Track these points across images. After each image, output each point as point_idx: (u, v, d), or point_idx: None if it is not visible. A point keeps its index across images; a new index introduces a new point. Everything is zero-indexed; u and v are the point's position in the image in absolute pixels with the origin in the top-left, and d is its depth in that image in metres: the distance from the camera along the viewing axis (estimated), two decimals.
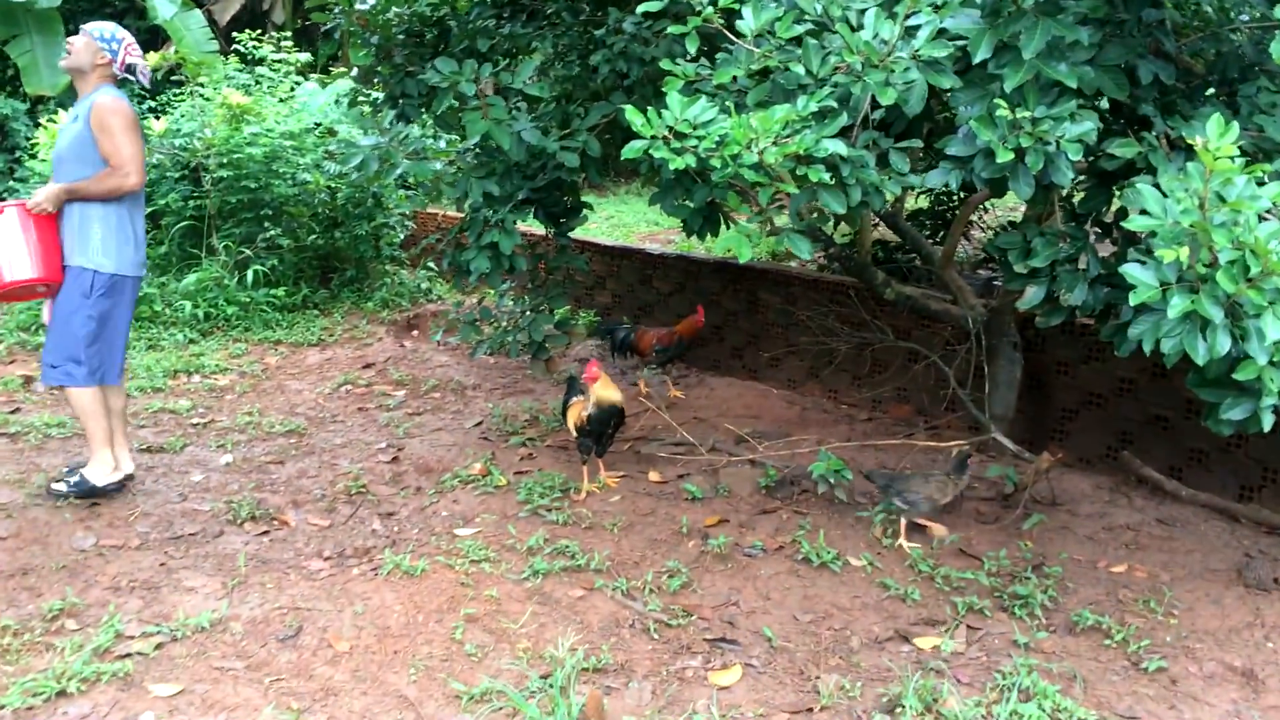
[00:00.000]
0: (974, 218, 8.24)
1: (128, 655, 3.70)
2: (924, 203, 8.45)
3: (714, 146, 3.32)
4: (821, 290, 6.93)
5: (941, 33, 3.44)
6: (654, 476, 5.45)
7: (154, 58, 8.83)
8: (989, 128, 3.28)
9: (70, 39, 4.81)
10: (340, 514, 5.02)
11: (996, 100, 3.26)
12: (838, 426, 6.27)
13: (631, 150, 3.38)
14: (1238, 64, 4.01)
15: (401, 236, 9.25)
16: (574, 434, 5.30)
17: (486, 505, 5.06)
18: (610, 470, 5.44)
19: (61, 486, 4.91)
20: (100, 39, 4.77)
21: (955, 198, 7.99)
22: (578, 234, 9.13)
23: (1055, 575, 4.48)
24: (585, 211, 6.12)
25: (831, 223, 8.22)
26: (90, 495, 4.91)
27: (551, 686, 3.56)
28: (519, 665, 3.74)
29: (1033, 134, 3.24)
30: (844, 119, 3.40)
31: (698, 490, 5.21)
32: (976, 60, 3.28)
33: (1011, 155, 3.23)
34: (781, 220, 3.81)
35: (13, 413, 6.17)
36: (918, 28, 3.35)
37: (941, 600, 4.31)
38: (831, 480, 5.04)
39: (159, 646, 3.77)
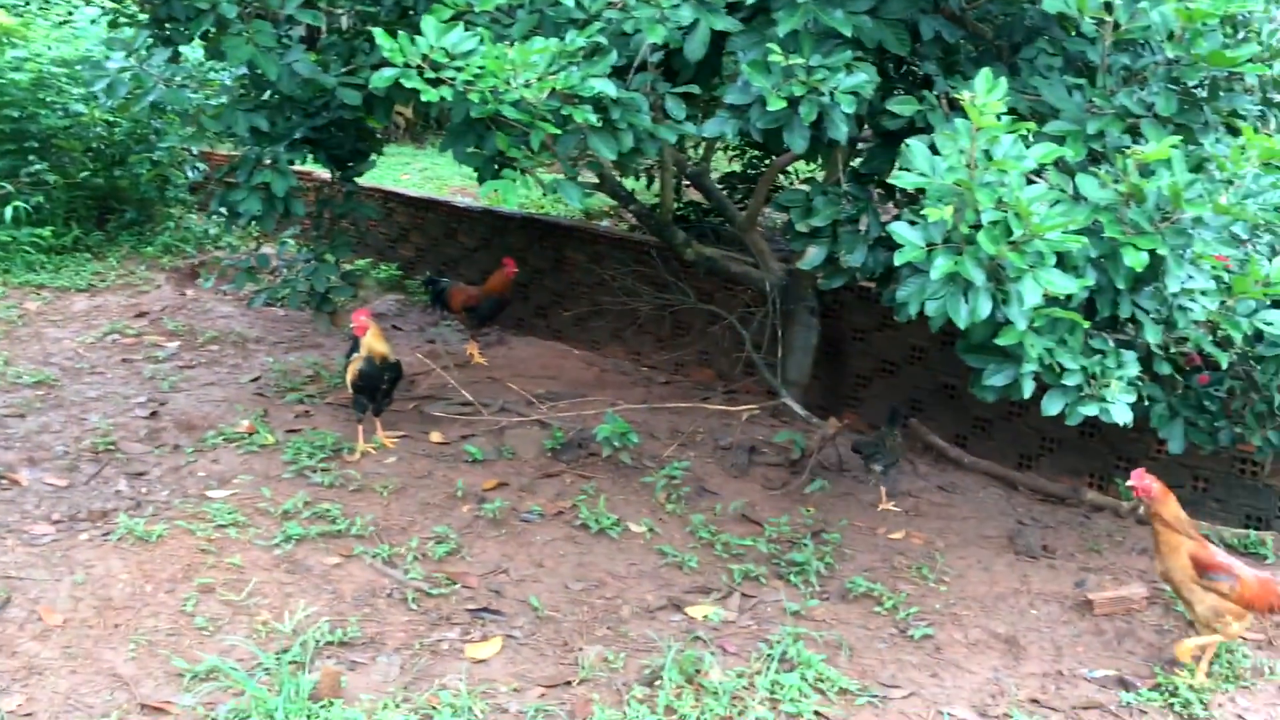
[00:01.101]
0: (787, 182, 8.19)
1: None
2: (738, 166, 8.35)
3: (472, 79, 3.05)
4: (627, 250, 6.74)
5: None
6: (435, 437, 5.18)
7: None
8: (763, 74, 3.11)
9: None
10: (82, 473, 4.58)
11: (771, 46, 3.10)
12: (635, 389, 6.11)
13: (380, 79, 3.09)
14: (1023, 29, 3.97)
15: (190, 177, 8.62)
16: (351, 391, 4.97)
17: (248, 465, 4.69)
18: (390, 430, 5.13)
19: None
20: None
21: (768, 161, 7.91)
22: (385, 184, 8.73)
23: (834, 542, 4.43)
24: (375, 156, 5.76)
25: (643, 180, 8.09)
26: None
27: (285, 663, 3.27)
28: (254, 640, 3.43)
29: (806, 83, 3.09)
30: (614, 58, 3.18)
31: (479, 452, 4.96)
32: (750, 1, 3.10)
33: (784, 104, 3.08)
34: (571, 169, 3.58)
35: None
36: None
37: (719, 568, 4.19)
38: (617, 443, 4.87)
39: None
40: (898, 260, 2.95)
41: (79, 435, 4.94)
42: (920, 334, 5.56)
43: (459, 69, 3.11)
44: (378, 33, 3.05)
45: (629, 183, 7.38)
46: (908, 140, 3.08)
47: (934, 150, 3.05)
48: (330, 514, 4.25)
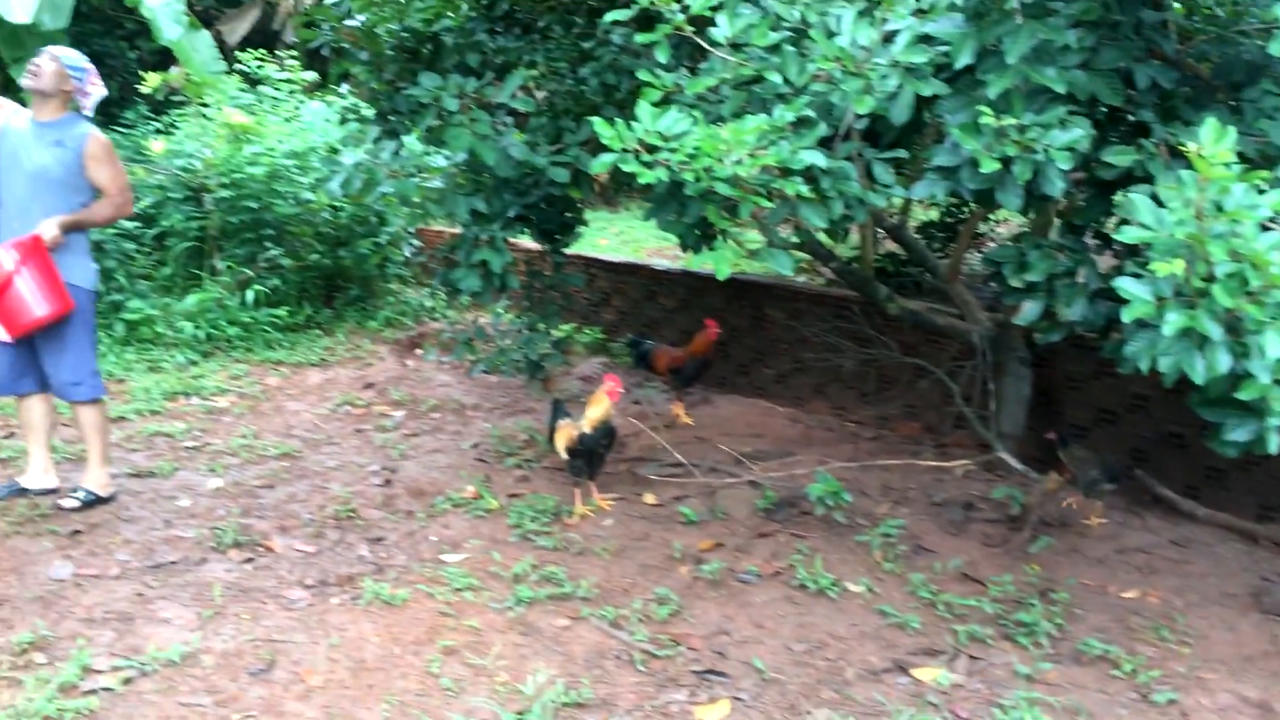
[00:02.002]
0: (988, 229, 8.05)
1: (94, 691, 3.58)
2: (934, 214, 8.27)
3: (686, 159, 3.18)
4: (827, 305, 6.77)
5: (927, 39, 3.29)
6: (649, 499, 5.31)
7: (155, 79, 8.83)
8: (973, 136, 3.12)
9: (36, 60, 4.77)
10: (327, 539, 4.91)
11: (980, 108, 3.11)
12: (842, 445, 6.10)
13: (600, 164, 3.26)
14: (1244, 67, 3.83)
15: (407, 254, 9.18)
16: (563, 457, 5.17)
17: (476, 530, 4.93)
18: (605, 493, 5.30)
19: (72, 502, 5.03)
20: (70, 66, 4.80)
21: (966, 209, 7.80)
22: (584, 250, 9.04)
23: (1063, 601, 4.30)
24: (580, 227, 6.01)
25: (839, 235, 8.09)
26: (92, 505, 5.05)
27: None
28: (495, 700, 3.59)
29: (1019, 142, 3.08)
30: (822, 129, 3.26)
31: (693, 513, 5.06)
32: (958, 65, 3.13)
33: (997, 165, 3.08)
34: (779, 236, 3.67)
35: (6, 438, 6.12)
36: (898, 32, 3.20)
37: (942, 628, 4.13)
38: (830, 502, 4.87)
39: (127, 681, 3.65)
40: (1125, 317, 2.89)
41: (322, 503, 5.29)
42: (1141, 382, 5.36)
43: (672, 150, 3.24)
44: (596, 122, 3.22)
45: (824, 236, 7.39)
46: (1129, 192, 3.02)
47: (1157, 201, 2.98)
48: (556, 577, 4.42)
